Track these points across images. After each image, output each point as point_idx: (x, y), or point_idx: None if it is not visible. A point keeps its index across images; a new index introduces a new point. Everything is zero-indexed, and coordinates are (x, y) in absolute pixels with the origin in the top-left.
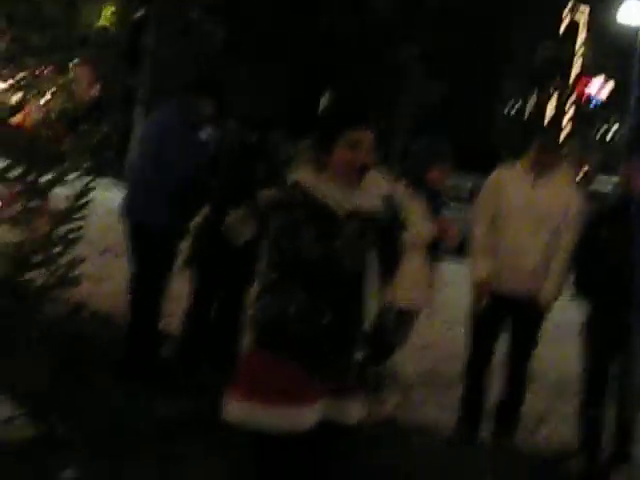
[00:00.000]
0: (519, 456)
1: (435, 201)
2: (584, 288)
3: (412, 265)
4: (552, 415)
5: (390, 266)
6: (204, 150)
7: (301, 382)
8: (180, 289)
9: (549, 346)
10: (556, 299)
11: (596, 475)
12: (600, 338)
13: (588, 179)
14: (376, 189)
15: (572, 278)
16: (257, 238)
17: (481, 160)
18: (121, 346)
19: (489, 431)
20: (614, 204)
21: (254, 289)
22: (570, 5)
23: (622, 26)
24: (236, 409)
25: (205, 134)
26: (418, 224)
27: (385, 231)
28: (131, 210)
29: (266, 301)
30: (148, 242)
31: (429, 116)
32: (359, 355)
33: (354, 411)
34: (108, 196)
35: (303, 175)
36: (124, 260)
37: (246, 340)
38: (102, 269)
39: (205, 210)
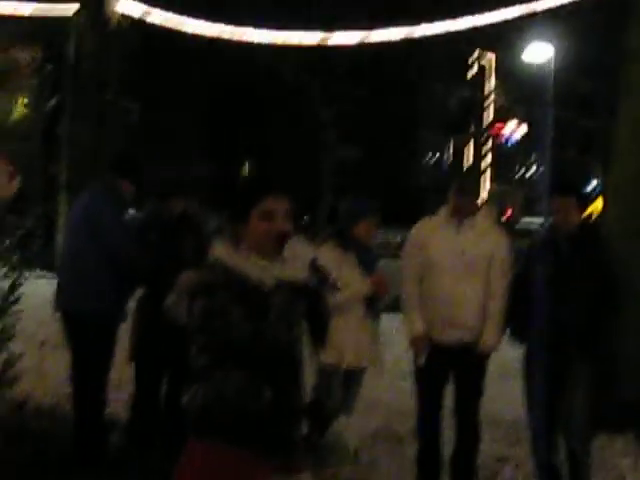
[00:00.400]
0: None
1: (366, 257)
2: (521, 330)
3: (352, 324)
4: (510, 459)
5: (320, 330)
6: (130, 230)
7: (248, 466)
8: (122, 373)
9: (499, 387)
10: (497, 345)
11: None
12: (542, 375)
13: (514, 219)
14: (300, 256)
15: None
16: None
17: (406, 214)
18: (69, 438)
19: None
20: (543, 242)
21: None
22: (477, 53)
23: (530, 66)
24: None
25: (128, 214)
26: (354, 282)
27: (313, 296)
28: (64, 299)
29: (200, 388)
30: (84, 329)
31: (349, 177)
32: (303, 427)
33: None
34: (38, 288)
35: (221, 250)
36: (62, 351)
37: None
38: (41, 363)
39: (139, 292)
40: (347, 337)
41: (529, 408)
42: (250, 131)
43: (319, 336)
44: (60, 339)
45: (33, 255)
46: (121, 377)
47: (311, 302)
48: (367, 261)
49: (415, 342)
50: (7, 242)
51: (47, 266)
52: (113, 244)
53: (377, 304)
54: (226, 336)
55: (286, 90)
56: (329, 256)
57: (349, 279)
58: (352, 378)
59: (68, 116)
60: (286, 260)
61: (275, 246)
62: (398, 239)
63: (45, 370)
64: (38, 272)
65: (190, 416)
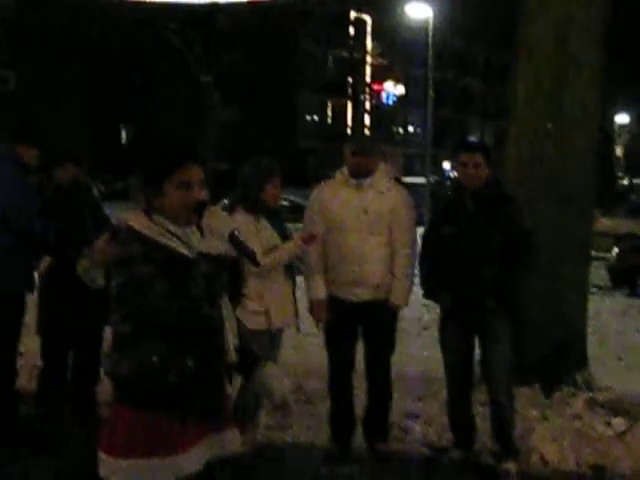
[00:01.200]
0: (396, 458)
1: (276, 220)
2: (436, 285)
3: (275, 286)
4: (420, 415)
5: (236, 293)
6: (35, 198)
7: (174, 431)
8: (26, 344)
9: (403, 343)
10: (406, 301)
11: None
12: (458, 331)
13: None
14: (217, 228)
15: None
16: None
17: (289, 176)
18: None
19: (363, 440)
20: (449, 200)
21: (107, 343)
22: (355, 14)
23: (408, 27)
24: (113, 466)
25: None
26: (280, 244)
27: (233, 268)
28: None
29: (124, 355)
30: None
31: (231, 140)
32: (229, 388)
33: (234, 438)
34: None
35: (135, 221)
36: None
37: (104, 394)
38: None
39: (45, 261)
40: (272, 299)
41: (445, 365)
42: (132, 96)
43: (235, 302)
44: None
45: None
46: (26, 348)
47: (231, 273)
48: (277, 224)
49: (315, 306)
50: None
51: None
52: (10, 212)
53: (294, 265)
54: (149, 310)
55: (167, 53)
56: (244, 223)
57: (271, 242)
58: (273, 340)
59: None
60: (205, 232)
61: (192, 216)
62: (283, 202)
63: None
64: None
65: (114, 384)
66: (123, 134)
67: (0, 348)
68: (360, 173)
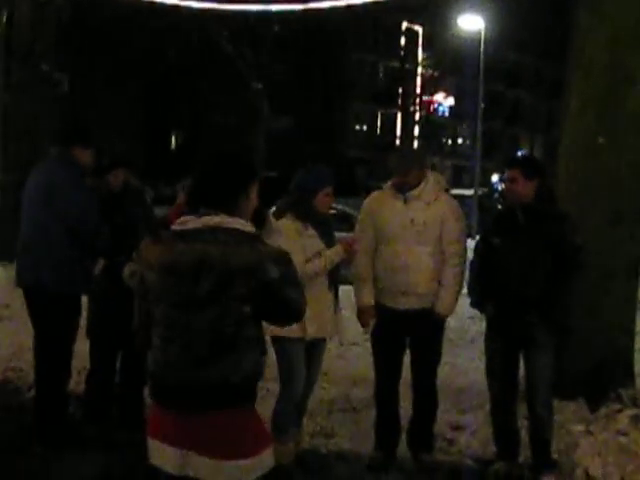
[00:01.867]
0: (441, 469)
1: (326, 229)
2: (482, 296)
3: (315, 295)
4: (466, 427)
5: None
6: (96, 200)
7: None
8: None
9: (449, 355)
10: (452, 310)
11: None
12: (503, 343)
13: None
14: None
15: (466, 288)
16: None
17: (337, 185)
18: (23, 413)
19: (407, 449)
20: (500, 212)
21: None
22: (406, 24)
23: (460, 38)
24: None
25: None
26: (323, 252)
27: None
28: (25, 274)
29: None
30: (48, 304)
31: (281, 148)
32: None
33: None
34: None
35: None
36: (5, 325)
37: None
38: None
39: (100, 264)
40: (309, 308)
41: (490, 375)
42: (182, 103)
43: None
44: (8, 313)
45: None
46: (76, 349)
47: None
48: (326, 233)
49: (362, 312)
50: None
51: None
52: (70, 213)
53: (337, 274)
54: None
55: (219, 60)
56: (289, 229)
57: (315, 251)
58: (312, 350)
59: (0, 88)
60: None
61: (253, 222)
62: (331, 211)
63: None
64: None
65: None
66: (173, 140)
67: (57, 350)
68: (402, 190)
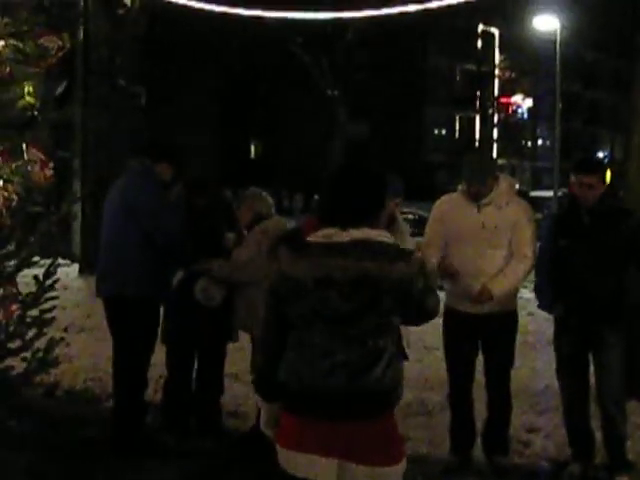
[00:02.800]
0: (516, 472)
1: None
2: (549, 297)
3: None
4: (540, 429)
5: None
6: (177, 214)
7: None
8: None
9: (523, 357)
10: (501, 294)
11: None
12: (572, 343)
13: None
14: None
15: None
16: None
17: (416, 190)
18: (103, 422)
19: (482, 452)
20: (565, 214)
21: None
22: (482, 27)
23: (536, 39)
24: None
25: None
26: None
27: None
28: (105, 285)
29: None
30: (127, 315)
31: (358, 153)
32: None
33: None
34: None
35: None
36: (86, 336)
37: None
38: (67, 348)
39: (179, 275)
40: None
41: (561, 377)
42: (259, 111)
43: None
44: (83, 324)
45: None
46: (154, 358)
47: None
48: None
49: (440, 269)
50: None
51: (64, 255)
52: (152, 225)
53: None
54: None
55: (293, 68)
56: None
57: None
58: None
59: (78, 103)
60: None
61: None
62: (409, 216)
63: (71, 355)
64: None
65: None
66: (252, 149)
67: (134, 358)
68: (477, 197)
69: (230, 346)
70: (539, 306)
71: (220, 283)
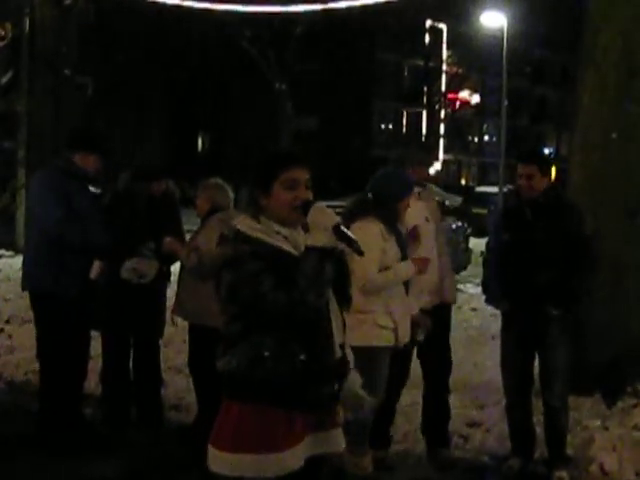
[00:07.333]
0: (456, 466)
1: (401, 236)
2: (496, 292)
3: (398, 302)
4: (481, 423)
5: (344, 290)
6: (97, 205)
7: (284, 427)
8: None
9: (473, 353)
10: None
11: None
12: (518, 338)
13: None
14: (324, 219)
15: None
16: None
17: (363, 184)
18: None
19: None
20: (510, 208)
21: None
22: (429, 23)
23: (482, 36)
24: (220, 460)
25: (94, 189)
26: (397, 266)
27: (338, 260)
28: (28, 279)
29: (235, 353)
30: (47, 309)
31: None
32: (335, 385)
33: (339, 438)
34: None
35: (243, 223)
36: (30, 327)
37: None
38: (8, 339)
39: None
40: (401, 316)
41: (505, 372)
42: (207, 104)
43: (344, 296)
44: (26, 316)
45: None
46: (95, 352)
47: (337, 265)
48: (403, 243)
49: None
50: None
51: (6, 245)
52: (54, 234)
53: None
54: (259, 305)
55: (241, 62)
56: (374, 231)
57: (393, 256)
58: (402, 355)
59: (24, 93)
60: (309, 227)
61: (298, 215)
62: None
63: (13, 346)
64: None
65: (225, 379)
66: (200, 142)
67: (56, 356)
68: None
69: (170, 339)
70: (486, 301)
71: (152, 260)
